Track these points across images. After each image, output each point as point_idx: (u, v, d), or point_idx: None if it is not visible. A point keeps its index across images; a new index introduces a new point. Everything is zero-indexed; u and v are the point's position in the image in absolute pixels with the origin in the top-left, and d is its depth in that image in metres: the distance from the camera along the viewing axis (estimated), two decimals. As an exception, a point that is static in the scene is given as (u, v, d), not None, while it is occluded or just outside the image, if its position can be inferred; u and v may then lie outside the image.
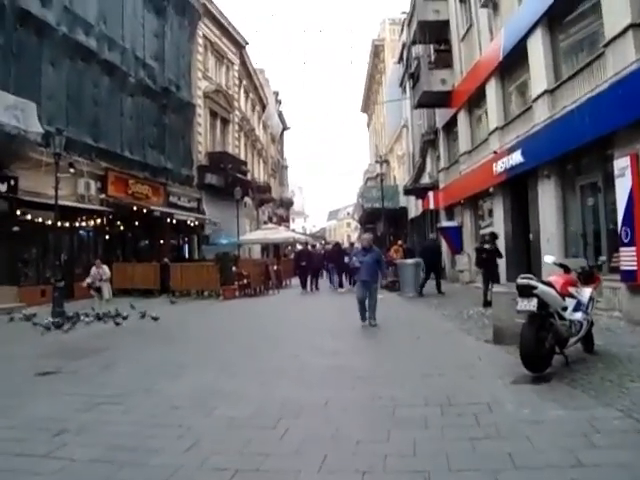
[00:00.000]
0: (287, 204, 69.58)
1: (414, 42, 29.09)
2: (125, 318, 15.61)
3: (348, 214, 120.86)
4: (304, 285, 25.78)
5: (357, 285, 13.23)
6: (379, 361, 9.19)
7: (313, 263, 25.98)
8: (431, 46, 27.67)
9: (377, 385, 7.38)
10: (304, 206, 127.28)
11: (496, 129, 19.67)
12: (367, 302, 12.62)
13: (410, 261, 20.91)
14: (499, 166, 18.66)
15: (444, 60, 26.13)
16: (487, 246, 15.78)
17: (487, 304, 13.75)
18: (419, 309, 16.26)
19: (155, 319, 15.56)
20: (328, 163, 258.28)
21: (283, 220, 64.02)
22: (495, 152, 19.39)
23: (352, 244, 33.11)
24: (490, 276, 15.48)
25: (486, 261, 15.68)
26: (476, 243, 20.96)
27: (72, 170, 19.24)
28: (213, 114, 37.49)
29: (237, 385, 7.96)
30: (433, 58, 27.02)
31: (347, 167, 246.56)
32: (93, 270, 17.79)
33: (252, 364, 9.49)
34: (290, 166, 79.23)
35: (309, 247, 30.36)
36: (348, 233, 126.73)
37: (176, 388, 7.75)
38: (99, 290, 17.51)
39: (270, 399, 6.98)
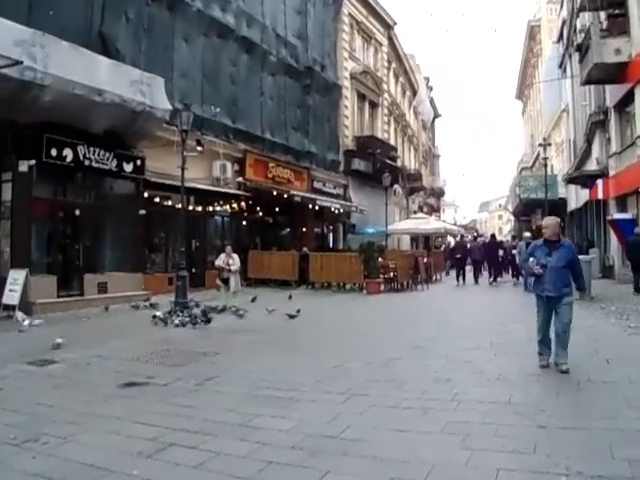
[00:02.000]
0: (438, 194, 65.38)
1: (582, 9, 24.19)
2: (241, 315, 13.24)
3: (500, 206, 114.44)
4: (460, 278, 23.54)
5: (537, 303, 7.82)
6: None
7: (472, 255, 24.08)
8: (601, 13, 22.75)
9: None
10: (455, 197, 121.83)
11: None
12: (554, 328, 7.65)
13: (586, 257, 16.57)
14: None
15: (619, 26, 21.09)
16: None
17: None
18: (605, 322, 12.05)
19: (292, 317, 12.92)
20: (479, 153, 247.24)
21: (434, 210, 60.04)
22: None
23: (493, 235, 28.78)
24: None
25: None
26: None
27: (199, 148, 17.01)
28: (361, 96, 34.51)
29: (367, 429, 5.40)
30: (605, 25, 22.14)
31: (499, 157, 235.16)
32: (222, 256, 15.32)
33: (393, 393, 6.58)
34: (441, 155, 74.87)
35: (464, 239, 27.44)
36: (500, 225, 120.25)
37: (280, 426, 5.50)
38: (226, 281, 15.02)
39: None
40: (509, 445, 4.75)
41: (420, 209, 50.49)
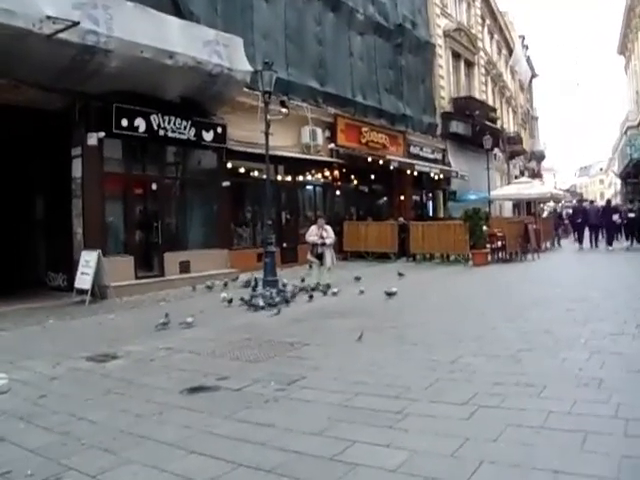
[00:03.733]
0: (539, 158, 60.51)
1: None
2: (335, 293, 11.23)
3: (601, 170, 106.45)
4: (580, 242, 22.43)
5: None
6: None
7: (591, 220, 22.24)
8: None
9: None
10: (553, 161, 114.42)
11: None
12: None
13: None
14: None
15: None
16: None
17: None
18: None
19: (390, 294, 10.75)
20: (577, 114, 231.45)
21: (535, 175, 55.54)
22: None
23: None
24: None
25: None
26: None
27: (284, 110, 14.93)
28: (455, 55, 31.27)
29: (508, 469, 3.59)
30: None
31: (598, 119, 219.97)
32: (313, 229, 13.23)
33: (532, 403, 4.71)
34: (539, 117, 69.49)
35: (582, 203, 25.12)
36: (601, 190, 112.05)
37: (384, 462, 3.73)
38: (320, 256, 12.94)
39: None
40: None
41: (521, 174, 46.59)
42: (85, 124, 12.02)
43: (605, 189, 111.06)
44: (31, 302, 11.34)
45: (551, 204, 47.00)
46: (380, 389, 5.30)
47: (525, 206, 39.97)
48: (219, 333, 8.35)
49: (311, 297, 10.97)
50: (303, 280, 12.54)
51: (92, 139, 11.91)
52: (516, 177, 42.33)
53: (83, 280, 11.21)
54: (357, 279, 13.09)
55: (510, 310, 9.28)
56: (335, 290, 11.47)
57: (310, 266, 13.39)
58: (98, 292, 11.44)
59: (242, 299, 10.51)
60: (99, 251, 11.23)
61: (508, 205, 38.55)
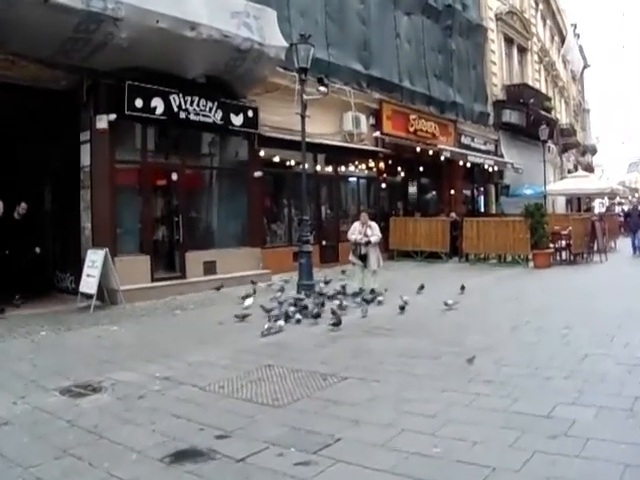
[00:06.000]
0: (592, 151, 57.00)
1: None
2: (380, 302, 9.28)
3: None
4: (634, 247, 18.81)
5: None
6: None
7: None
8: None
9: None
10: (602, 156, 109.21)
11: None
12: None
13: None
14: None
15: None
16: None
17: None
18: None
19: (449, 306, 8.72)
20: (629, 108, 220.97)
21: (588, 169, 52.12)
22: None
23: None
24: None
25: None
26: None
27: (322, 89, 12.90)
28: (508, 40, 28.69)
29: None
30: None
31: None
32: (356, 226, 11.19)
33: None
34: (591, 109, 65.56)
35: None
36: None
37: None
38: (363, 257, 10.90)
39: None
40: None
41: (575, 168, 43.54)
42: (94, 105, 10.28)
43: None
44: (33, 307, 9.72)
45: (604, 200, 43.92)
46: (447, 469, 3.39)
47: (577, 202, 37.20)
48: (235, 356, 6.48)
49: (340, 307, 8.92)
50: (343, 287, 10.51)
51: (102, 122, 10.15)
52: (569, 171, 39.51)
53: (88, 283, 9.46)
54: (421, 288, 10.47)
55: (600, 328, 7.19)
56: (381, 298, 9.47)
57: (353, 265, 11.39)
58: (107, 297, 9.71)
59: (263, 308, 8.60)
60: (106, 250, 9.41)
61: (561, 201, 35.77)
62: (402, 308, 8.68)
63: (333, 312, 8.11)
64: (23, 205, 10.03)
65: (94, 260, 9.45)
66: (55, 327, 8.28)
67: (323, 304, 8.93)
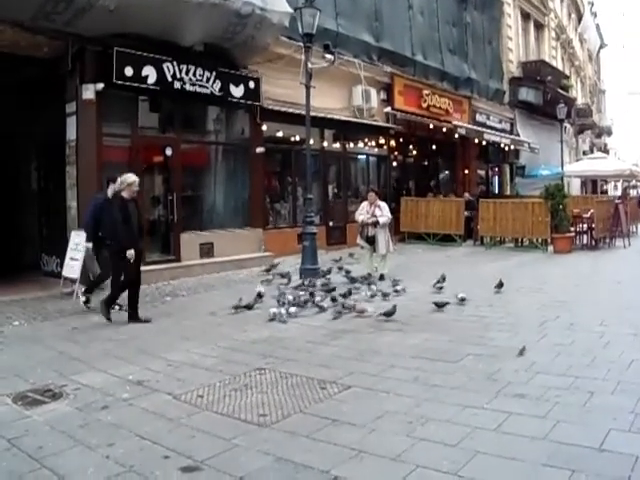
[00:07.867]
0: (607, 133, 55.26)
1: None
2: (397, 291, 8.21)
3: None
4: None
5: None
6: None
7: None
8: None
9: None
10: (615, 138, 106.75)
11: None
12: None
13: None
14: None
15: None
16: None
17: None
18: None
19: (462, 300, 7.72)
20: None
21: (604, 151, 50.53)
22: None
23: None
24: None
25: None
26: None
27: (328, 56, 11.81)
28: (525, 15, 27.25)
29: None
30: None
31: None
32: (364, 206, 10.22)
33: None
34: (607, 90, 63.57)
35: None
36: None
37: None
38: (372, 240, 9.95)
39: None
40: None
41: (590, 150, 42.10)
42: (80, 74, 9.29)
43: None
44: (15, 292, 8.84)
45: (619, 183, 42.54)
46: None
47: (591, 185, 35.89)
48: (223, 355, 5.58)
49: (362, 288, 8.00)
50: (348, 272, 9.56)
51: (88, 92, 9.16)
52: (584, 153, 38.15)
53: (72, 267, 8.56)
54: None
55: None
56: (398, 288, 8.50)
57: (362, 248, 10.46)
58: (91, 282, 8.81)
59: (259, 295, 7.71)
60: (90, 231, 8.52)
61: (576, 183, 34.48)
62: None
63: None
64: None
65: (78, 242, 8.55)
66: (31, 316, 7.44)
67: (334, 299, 7.87)
